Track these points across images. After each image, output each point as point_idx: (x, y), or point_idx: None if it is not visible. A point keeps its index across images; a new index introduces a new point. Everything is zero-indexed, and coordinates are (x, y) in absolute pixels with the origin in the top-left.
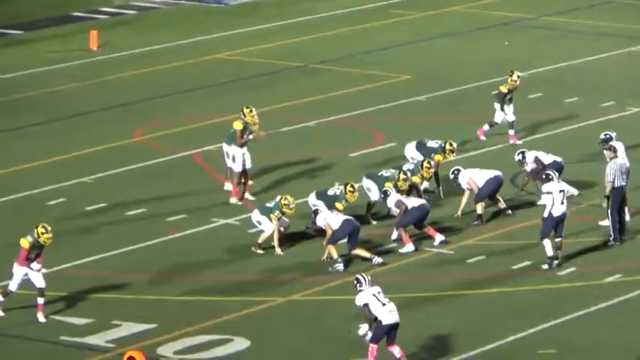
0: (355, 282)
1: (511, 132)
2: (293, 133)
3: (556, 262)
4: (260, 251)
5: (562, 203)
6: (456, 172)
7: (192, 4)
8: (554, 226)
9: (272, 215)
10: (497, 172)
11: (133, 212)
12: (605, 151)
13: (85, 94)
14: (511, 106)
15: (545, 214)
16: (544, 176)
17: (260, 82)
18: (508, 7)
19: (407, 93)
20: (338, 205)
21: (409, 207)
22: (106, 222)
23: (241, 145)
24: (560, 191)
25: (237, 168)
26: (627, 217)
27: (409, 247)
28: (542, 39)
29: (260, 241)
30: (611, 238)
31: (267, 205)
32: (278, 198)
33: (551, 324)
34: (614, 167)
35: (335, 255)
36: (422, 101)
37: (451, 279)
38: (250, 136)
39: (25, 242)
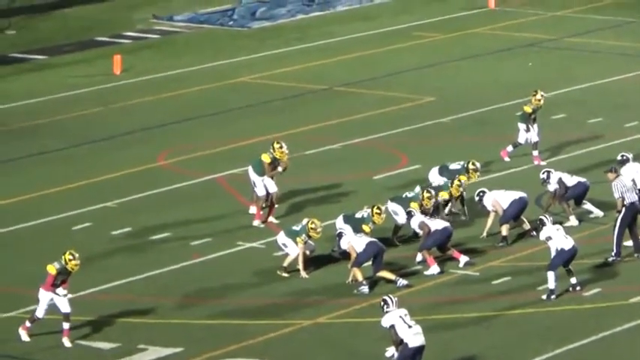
0: (382, 303)
1: (535, 153)
2: (317, 156)
3: (571, 289)
4: (285, 274)
5: (566, 238)
6: (481, 194)
7: (215, 28)
8: (566, 260)
9: (298, 239)
10: (522, 194)
11: (157, 236)
12: (608, 174)
13: (109, 119)
14: (535, 126)
15: (554, 253)
16: (538, 222)
17: (283, 105)
18: (531, 29)
19: (431, 115)
20: (365, 227)
21: (432, 229)
22: (131, 246)
23: (270, 177)
24: (558, 229)
25: (260, 192)
26: None
27: (434, 268)
28: (565, 60)
29: (285, 264)
30: (612, 254)
31: (294, 228)
32: (305, 221)
33: (576, 345)
34: (619, 185)
35: (360, 277)
36: (446, 123)
37: (476, 300)
38: (279, 168)
39: (52, 268)
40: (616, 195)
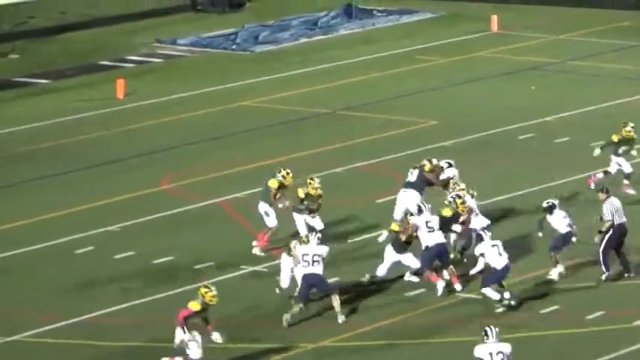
0: (483, 333)
1: (626, 182)
2: (320, 179)
3: (506, 301)
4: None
5: (501, 255)
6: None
7: (218, 52)
8: (499, 278)
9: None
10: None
11: (160, 260)
12: (599, 194)
13: (112, 143)
14: (624, 156)
15: (480, 267)
16: (476, 236)
17: (286, 129)
18: (534, 52)
19: (433, 138)
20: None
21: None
22: (134, 270)
23: (271, 204)
24: (493, 246)
25: (271, 223)
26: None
27: (440, 284)
28: (568, 83)
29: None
30: (604, 271)
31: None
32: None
33: None
34: (611, 207)
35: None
36: (448, 146)
37: (480, 323)
38: (280, 205)
39: (195, 305)
40: (608, 217)
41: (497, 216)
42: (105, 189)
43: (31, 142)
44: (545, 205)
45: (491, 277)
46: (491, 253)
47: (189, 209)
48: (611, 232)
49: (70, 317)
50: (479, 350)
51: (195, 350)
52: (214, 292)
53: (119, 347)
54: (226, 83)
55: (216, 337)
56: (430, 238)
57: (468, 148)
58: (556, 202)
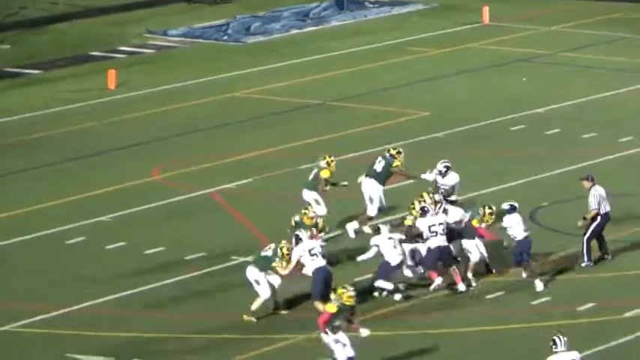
0: (551, 342)
1: None
2: (311, 170)
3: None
4: (253, 319)
5: (395, 248)
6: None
7: (210, 43)
8: (391, 271)
9: (275, 264)
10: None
11: (151, 251)
12: (583, 182)
13: (104, 133)
14: None
15: (371, 255)
16: (375, 229)
17: (277, 119)
18: (525, 44)
19: (424, 130)
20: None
21: (430, 247)
22: (125, 260)
23: (320, 192)
24: (390, 239)
25: (322, 211)
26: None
27: (437, 280)
28: (559, 75)
29: (254, 307)
30: (585, 260)
31: (264, 253)
32: (273, 245)
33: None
34: (598, 195)
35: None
36: (440, 138)
37: (470, 315)
38: (327, 187)
39: (332, 307)
40: (594, 205)
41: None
42: (96, 179)
43: (22, 133)
44: (506, 206)
45: (385, 270)
46: (386, 246)
47: (180, 200)
48: (597, 222)
49: (60, 307)
50: None
51: (340, 352)
52: (352, 293)
53: (110, 338)
54: (217, 74)
55: (364, 332)
56: (433, 241)
57: (460, 139)
58: (515, 204)
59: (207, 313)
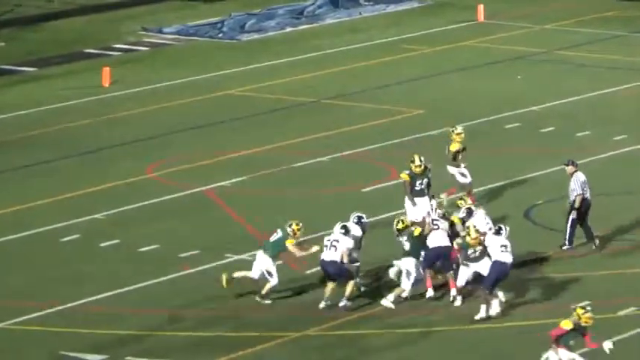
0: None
1: None
2: (306, 168)
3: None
4: (267, 301)
5: (330, 248)
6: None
7: (204, 41)
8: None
9: (287, 243)
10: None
11: (146, 248)
12: (566, 167)
13: (98, 131)
14: None
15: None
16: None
17: (272, 117)
18: (520, 42)
19: (420, 127)
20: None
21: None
22: (120, 258)
23: (457, 165)
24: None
25: (466, 180)
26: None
27: (429, 292)
28: (554, 73)
29: (264, 291)
30: (566, 243)
31: (273, 239)
32: (279, 230)
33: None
34: (579, 180)
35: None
36: (435, 136)
37: (459, 313)
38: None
39: (567, 324)
40: (578, 190)
41: (481, 205)
42: (90, 177)
43: (17, 130)
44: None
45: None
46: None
47: (174, 197)
48: (580, 207)
49: (55, 305)
50: None
51: None
52: (591, 314)
53: (104, 335)
54: (212, 72)
55: (607, 345)
56: (433, 239)
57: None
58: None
59: (201, 310)
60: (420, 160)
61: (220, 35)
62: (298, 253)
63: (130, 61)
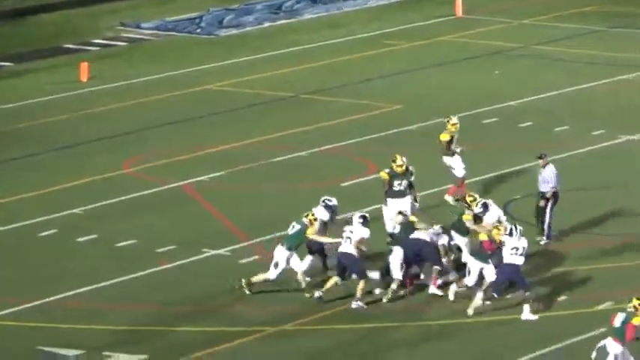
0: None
1: None
2: (284, 163)
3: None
4: (247, 292)
5: (346, 241)
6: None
7: (182, 36)
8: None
9: (309, 231)
10: None
11: (123, 243)
12: (540, 161)
13: (75, 126)
14: None
15: None
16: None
17: (251, 112)
18: (498, 37)
19: (398, 122)
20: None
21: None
22: (97, 253)
23: (452, 155)
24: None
25: (460, 173)
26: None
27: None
28: (532, 68)
29: (255, 280)
30: (545, 238)
31: (291, 232)
32: (295, 222)
33: (544, 352)
34: (553, 172)
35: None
36: (413, 130)
37: (448, 308)
38: (458, 149)
39: (637, 320)
40: (553, 182)
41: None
42: (68, 172)
43: None
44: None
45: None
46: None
47: (152, 192)
48: (552, 199)
49: (32, 300)
50: None
51: None
52: None
53: (82, 330)
54: (191, 67)
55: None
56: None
57: (432, 131)
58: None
59: (179, 305)
60: (402, 161)
61: (198, 30)
62: (324, 239)
63: (108, 56)
